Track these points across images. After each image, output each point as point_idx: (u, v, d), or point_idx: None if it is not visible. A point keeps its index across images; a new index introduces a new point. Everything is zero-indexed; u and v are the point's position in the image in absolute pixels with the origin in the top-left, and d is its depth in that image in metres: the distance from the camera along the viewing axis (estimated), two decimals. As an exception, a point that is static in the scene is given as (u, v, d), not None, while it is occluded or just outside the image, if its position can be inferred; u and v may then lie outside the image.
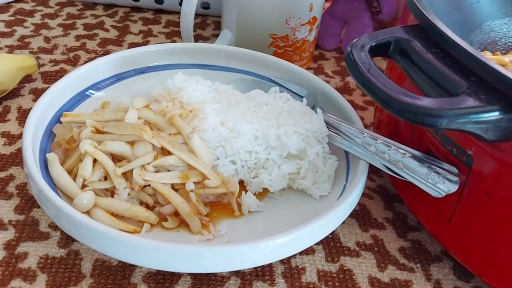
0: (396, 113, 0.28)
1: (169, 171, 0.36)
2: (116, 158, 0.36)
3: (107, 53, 0.57)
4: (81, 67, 0.42)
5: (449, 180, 0.31)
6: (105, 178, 0.36)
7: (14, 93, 0.48)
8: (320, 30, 0.60)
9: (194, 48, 0.48)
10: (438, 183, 0.32)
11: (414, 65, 0.31)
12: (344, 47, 0.63)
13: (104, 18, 0.64)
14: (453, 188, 0.31)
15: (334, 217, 0.34)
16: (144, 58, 0.46)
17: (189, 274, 0.34)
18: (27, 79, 0.50)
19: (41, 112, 0.37)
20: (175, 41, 0.61)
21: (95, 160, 0.35)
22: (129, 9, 0.67)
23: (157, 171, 0.36)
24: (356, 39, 0.32)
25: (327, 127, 0.39)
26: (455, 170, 0.32)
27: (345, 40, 0.63)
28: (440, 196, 0.32)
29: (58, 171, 0.34)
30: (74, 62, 0.54)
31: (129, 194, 0.35)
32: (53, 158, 0.35)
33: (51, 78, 0.52)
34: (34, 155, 0.34)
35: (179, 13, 0.66)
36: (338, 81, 0.58)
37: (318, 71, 0.59)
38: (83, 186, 0.35)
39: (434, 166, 0.32)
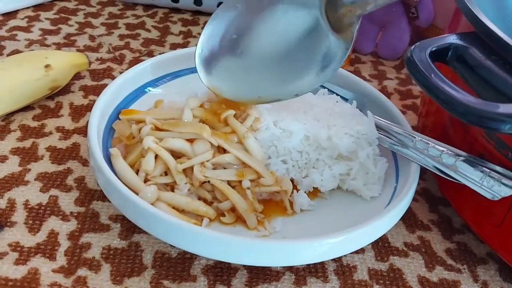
0: (460, 115, 0.29)
1: (224, 168, 0.38)
2: (174, 155, 0.38)
3: (150, 52, 0.58)
4: (140, 64, 0.43)
5: (505, 184, 0.32)
6: (165, 174, 0.37)
7: (65, 90, 0.50)
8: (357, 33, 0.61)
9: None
10: (494, 186, 0.32)
11: (473, 72, 0.32)
12: (380, 52, 0.64)
13: (145, 18, 0.66)
14: (510, 192, 0.32)
15: (388, 219, 0.35)
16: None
17: (246, 268, 0.35)
18: (76, 76, 0.52)
19: (103, 107, 0.39)
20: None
21: (156, 156, 0.37)
22: (168, 10, 0.68)
23: (213, 169, 0.37)
24: (415, 44, 0.33)
25: (377, 129, 0.40)
26: (511, 174, 0.32)
27: (381, 44, 0.64)
28: (496, 199, 0.32)
29: (122, 165, 0.36)
30: (120, 61, 0.56)
31: (189, 189, 0.36)
32: (116, 153, 0.36)
33: (99, 76, 0.53)
34: (98, 149, 0.36)
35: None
36: (376, 85, 0.58)
37: (355, 75, 0.60)
38: (145, 181, 0.36)
39: (488, 170, 0.33)
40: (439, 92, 0.30)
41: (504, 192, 0.32)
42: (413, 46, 0.34)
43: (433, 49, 0.33)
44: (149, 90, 0.44)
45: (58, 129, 0.45)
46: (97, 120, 0.37)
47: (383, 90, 0.58)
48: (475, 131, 0.35)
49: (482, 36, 0.33)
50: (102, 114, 0.39)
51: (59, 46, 0.57)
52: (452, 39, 0.34)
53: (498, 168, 0.33)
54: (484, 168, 0.33)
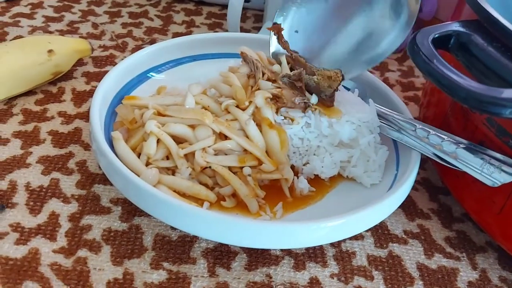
0: (461, 100, 0.29)
1: (226, 155, 0.38)
2: (176, 140, 0.38)
3: (153, 41, 0.58)
4: (144, 49, 0.44)
5: (505, 171, 0.32)
6: (167, 158, 0.37)
7: (67, 76, 0.50)
8: (361, 26, 0.61)
9: (254, 39, 0.49)
10: (494, 173, 0.33)
11: (476, 59, 0.32)
12: (383, 44, 0.64)
13: (148, 7, 0.66)
14: (510, 178, 0.32)
15: (387, 205, 0.35)
16: (203, 45, 0.47)
17: (245, 252, 0.35)
18: (79, 62, 0.52)
19: (106, 91, 0.39)
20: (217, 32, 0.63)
21: (158, 140, 0.37)
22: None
23: (215, 155, 0.37)
24: (418, 31, 0.34)
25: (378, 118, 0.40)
26: (511, 161, 0.33)
27: (383, 37, 0.63)
28: (495, 185, 0.33)
29: (124, 149, 0.36)
30: (123, 49, 0.56)
31: (190, 174, 0.36)
32: (118, 136, 0.36)
33: (101, 62, 0.53)
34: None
35: (219, 5, 0.68)
36: (378, 76, 0.58)
37: (358, 67, 0.60)
38: (147, 165, 0.36)
39: (488, 157, 0.33)
40: (441, 77, 0.30)
41: (504, 179, 0.32)
42: (415, 32, 0.34)
43: (436, 35, 0.33)
44: (152, 76, 0.44)
45: (60, 114, 0.45)
46: (99, 104, 0.37)
47: (385, 82, 0.58)
48: (476, 119, 0.36)
49: (485, 24, 0.33)
50: (104, 99, 0.39)
51: (62, 33, 0.57)
52: (455, 26, 0.34)
53: (498, 155, 0.33)
54: (484, 155, 0.34)
